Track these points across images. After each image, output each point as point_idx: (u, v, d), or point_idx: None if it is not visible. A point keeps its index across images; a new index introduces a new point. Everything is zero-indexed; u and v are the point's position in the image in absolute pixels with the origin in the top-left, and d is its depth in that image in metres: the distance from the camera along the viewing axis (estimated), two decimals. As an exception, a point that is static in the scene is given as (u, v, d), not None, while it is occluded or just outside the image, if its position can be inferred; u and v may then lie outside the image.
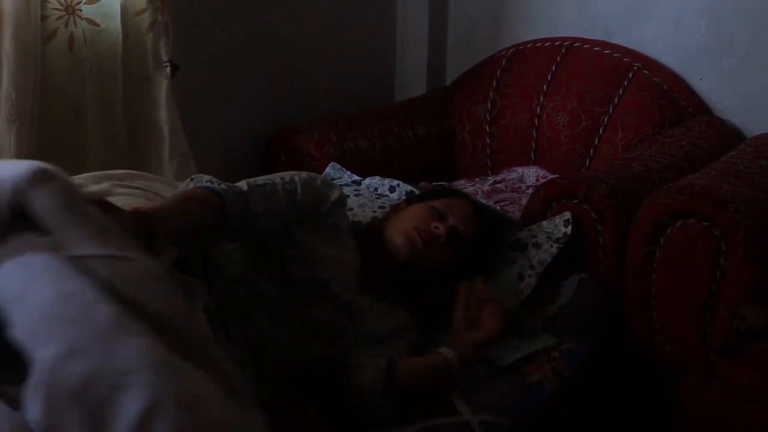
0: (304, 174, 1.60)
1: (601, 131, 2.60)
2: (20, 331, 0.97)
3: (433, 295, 1.73)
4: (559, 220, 1.92)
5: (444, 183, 2.60)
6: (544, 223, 1.93)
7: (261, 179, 1.53)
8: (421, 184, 2.35)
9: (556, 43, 2.79)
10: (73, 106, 2.01)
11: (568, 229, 1.89)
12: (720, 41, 2.53)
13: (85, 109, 2.03)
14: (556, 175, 2.42)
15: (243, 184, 1.49)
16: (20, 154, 1.86)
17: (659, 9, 2.64)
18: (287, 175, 1.57)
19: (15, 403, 0.96)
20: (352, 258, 1.63)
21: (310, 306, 1.52)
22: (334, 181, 2.15)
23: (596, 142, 2.60)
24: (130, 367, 0.93)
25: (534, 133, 2.74)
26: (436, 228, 1.65)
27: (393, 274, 1.69)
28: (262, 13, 2.64)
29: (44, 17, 1.91)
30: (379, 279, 1.67)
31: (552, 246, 1.87)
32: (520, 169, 2.69)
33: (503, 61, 2.87)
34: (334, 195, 1.63)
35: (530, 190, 2.36)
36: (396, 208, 1.78)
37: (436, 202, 1.72)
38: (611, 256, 1.91)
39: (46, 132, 1.96)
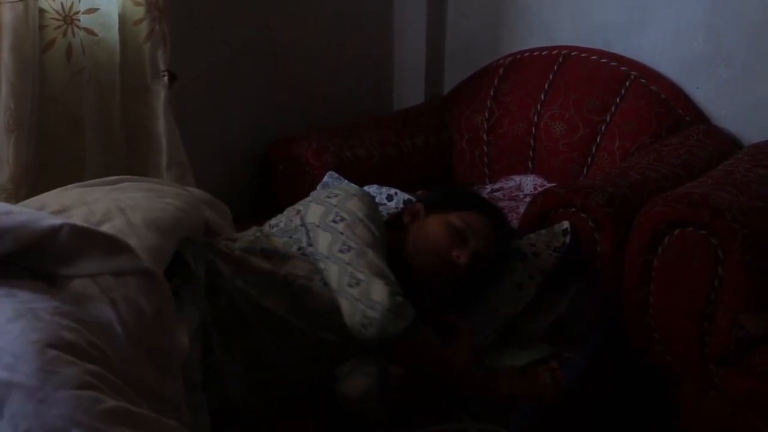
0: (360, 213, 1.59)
1: (598, 140, 2.60)
2: None
3: (440, 303, 1.72)
4: (557, 229, 1.92)
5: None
6: (543, 232, 1.94)
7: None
8: (419, 192, 2.35)
9: (554, 52, 2.80)
10: (71, 116, 2.01)
11: (567, 239, 1.89)
12: (717, 51, 2.54)
13: (83, 118, 2.02)
14: (554, 184, 2.43)
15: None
16: (19, 164, 1.86)
17: (657, 19, 2.64)
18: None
19: None
20: None
21: (321, 330, 1.49)
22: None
23: (594, 151, 2.60)
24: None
25: (531, 141, 2.74)
26: (458, 257, 1.65)
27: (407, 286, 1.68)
28: (261, 22, 2.64)
29: (42, 27, 1.91)
30: None
31: (551, 255, 1.87)
32: (517, 178, 2.70)
33: (501, 70, 2.87)
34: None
35: (528, 199, 2.36)
36: (413, 215, 1.75)
37: (456, 219, 1.68)
38: (609, 265, 1.91)
39: (45, 141, 1.96)
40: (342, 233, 1.52)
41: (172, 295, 1.27)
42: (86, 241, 1.17)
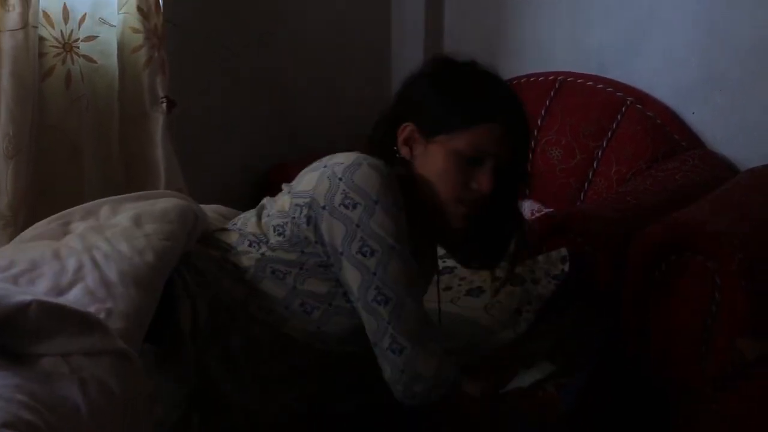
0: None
1: (595, 165, 2.61)
2: None
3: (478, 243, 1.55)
4: (555, 256, 1.92)
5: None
6: (541, 258, 1.94)
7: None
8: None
9: (550, 78, 2.81)
10: (70, 142, 2.02)
11: (566, 266, 1.89)
12: (711, 76, 2.56)
13: (82, 144, 2.03)
14: (551, 209, 2.43)
15: None
16: (17, 190, 1.86)
17: (651, 44, 2.66)
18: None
19: None
20: None
21: (346, 346, 1.44)
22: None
23: (590, 176, 2.61)
24: None
25: (528, 167, 2.74)
26: (480, 186, 1.40)
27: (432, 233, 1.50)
28: (260, 49, 2.66)
29: (42, 54, 1.93)
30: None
31: (550, 282, 1.87)
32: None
33: (497, 96, 2.88)
34: None
35: (525, 224, 2.36)
36: (409, 144, 1.45)
37: (463, 143, 1.39)
38: (608, 290, 1.91)
39: (43, 168, 1.97)
40: (374, 273, 1.33)
41: (156, 366, 1.24)
42: (57, 319, 1.11)
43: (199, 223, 1.45)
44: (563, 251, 1.92)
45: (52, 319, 1.10)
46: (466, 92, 1.43)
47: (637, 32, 2.69)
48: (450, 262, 2.00)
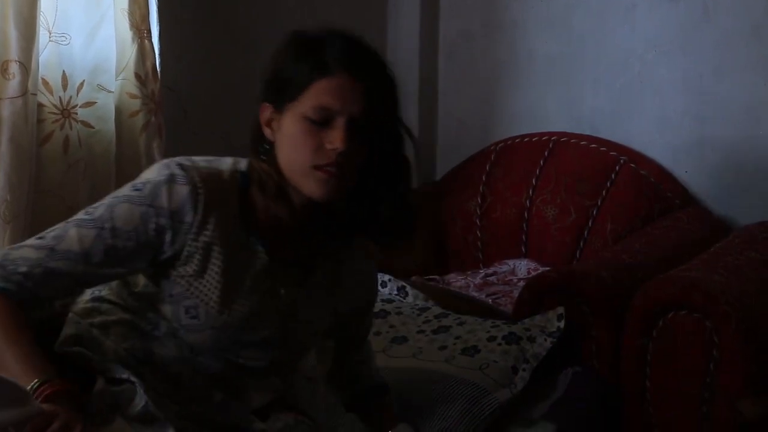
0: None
1: (590, 223, 2.62)
2: None
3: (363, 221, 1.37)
4: (552, 314, 1.92)
5: (436, 277, 2.61)
6: (537, 317, 1.93)
7: None
8: (413, 278, 2.36)
9: (544, 138, 2.84)
10: (67, 206, 2.02)
11: (562, 324, 1.89)
12: (703, 136, 2.59)
13: (78, 208, 2.03)
14: (547, 268, 2.44)
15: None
16: (13, 255, 1.86)
17: (643, 106, 2.70)
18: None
19: None
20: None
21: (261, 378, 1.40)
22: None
23: (586, 235, 2.62)
24: None
25: (524, 226, 2.76)
26: (330, 144, 1.24)
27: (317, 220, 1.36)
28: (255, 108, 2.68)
29: (40, 120, 1.95)
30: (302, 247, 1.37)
31: (546, 340, 1.87)
32: (511, 262, 2.70)
33: (492, 156, 2.91)
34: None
35: (522, 283, 2.37)
36: (269, 123, 1.31)
37: (308, 105, 1.25)
38: (604, 349, 1.91)
39: (39, 232, 1.97)
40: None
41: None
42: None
43: None
44: (559, 310, 1.91)
45: None
46: (298, 53, 1.29)
47: (628, 96, 2.74)
48: (447, 321, 1.99)
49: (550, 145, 2.80)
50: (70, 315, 1.35)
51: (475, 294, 2.40)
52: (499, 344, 1.87)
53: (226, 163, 1.36)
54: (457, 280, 2.57)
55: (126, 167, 2.12)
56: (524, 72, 2.95)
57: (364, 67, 1.28)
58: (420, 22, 3.08)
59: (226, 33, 2.60)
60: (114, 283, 1.36)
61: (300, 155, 1.26)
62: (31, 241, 1.27)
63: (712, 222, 2.50)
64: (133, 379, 1.25)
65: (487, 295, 2.41)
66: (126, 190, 1.28)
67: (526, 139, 2.89)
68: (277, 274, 1.35)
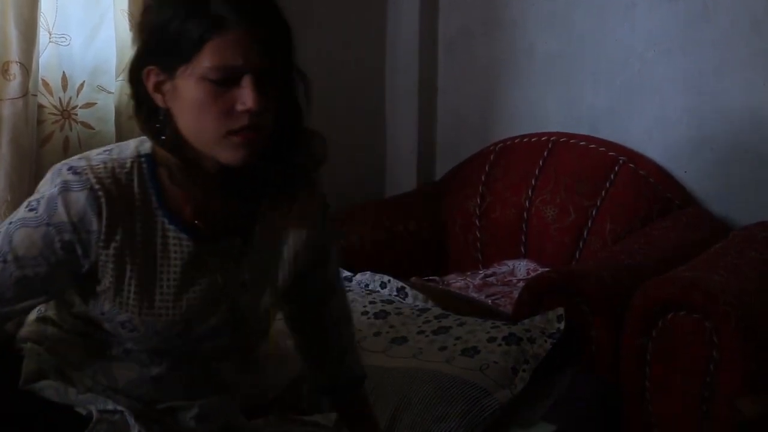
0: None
1: (589, 224, 2.62)
2: None
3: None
4: (552, 315, 1.92)
5: (435, 278, 2.61)
6: (537, 318, 1.94)
7: None
8: (413, 279, 2.36)
9: (543, 138, 2.84)
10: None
11: (562, 325, 1.89)
12: (702, 135, 2.59)
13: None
14: (547, 269, 2.44)
15: None
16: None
17: (642, 106, 2.70)
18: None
19: None
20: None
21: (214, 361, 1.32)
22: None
23: (585, 235, 2.62)
24: None
25: (523, 226, 2.76)
26: (242, 105, 1.14)
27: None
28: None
29: (40, 121, 1.96)
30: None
31: (546, 341, 1.87)
32: (510, 263, 2.71)
33: (492, 157, 2.91)
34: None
35: (521, 284, 2.37)
36: (157, 88, 1.17)
37: (207, 65, 1.12)
38: (604, 350, 1.91)
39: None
40: None
41: None
42: None
43: None
44: (559, 311, 1.92)
45: None
46: (185, 8, 1.14)
47: (627, 95, 2.73)
48: (447, 322, 2.00)
49: (550, 145, 2.81)
50: (28, 345, 1.27)
51: (475, 295, 2.40)
52: (499, 345, 1.87)
53: (127, 148, 1.22)
54: (456, 281, 2.57)
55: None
56: (524, 71, 2.95)
57: (260, 16, 1.15)
58: (419, 20, 3.07)
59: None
60: (52, 304, 1.28)
61: (210, 122, 1.14)
62: None
63: (712, 222, 2.50)
64: (120, 408, 1.21)
65: (487, 296, 2.42)
66: (21, 211, 1.16)
67: (525, 139, 2.89)
68: (208, 257, 1.23)
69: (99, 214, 1.14)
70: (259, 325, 1.36)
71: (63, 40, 2.00)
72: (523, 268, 2.65)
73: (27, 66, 1.86)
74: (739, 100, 2.52)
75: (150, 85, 1.17)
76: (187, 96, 1.14)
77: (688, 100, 2.61)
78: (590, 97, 2.82)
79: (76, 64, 2.04)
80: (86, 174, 1.15)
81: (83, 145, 2.03)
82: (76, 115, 2.02)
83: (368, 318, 2.02)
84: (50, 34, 1.97)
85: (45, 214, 1.14)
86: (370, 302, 2.03)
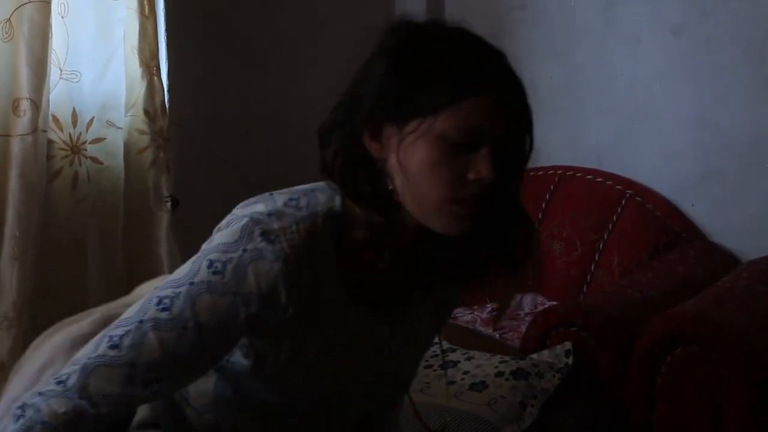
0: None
1: (596, 257, 2.62)
2: None
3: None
4: (560, 350, 1.91)
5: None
6: (545, 352, 1.93)
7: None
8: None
9: (549, 172, 2.85)
10: (75, 241, 2.04)
11: (570, 360, 1.89)
12: (709, 169, 2.59)
13: (86, 243, 2.05)
14: (554, 302, 2.43)
15: None
16: (22, 291, 1.87)
17: (648, 140, 2.71)
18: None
19: None
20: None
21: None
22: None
23: (592, 269, 2.61)
24: None
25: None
26: (478, 174, 1.05)
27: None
28: (262, 150, 2.70)
29: (50, 157, 1.97)
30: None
31: (554, 376, 1.86)
32: (518, 296, 2.70)
33: (498, 191, 2.91)
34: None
35: (528, 318, 2.36)
36: (376, 138, 1.08)
37: (446, 124, 1.04)
38: (612, 384, 1.90)
39: (47, 267, 1.98)
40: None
41: None
42: None
43: None
44: (567, 345, 1.91)
45: None
46: (441, 62, 1.07)
47: (632, 129, 2.74)
48: (455, 356, 1.99)
49: (556, 179, 2.81)
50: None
51: (482, 329, 2.39)
52: (507, 380, 1.86)
53: (316, 202, 1.10)
54: (464, 315, 2.57)
55: (134, 203, 2.14)
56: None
57: (513, 88, 1.09)
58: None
59: (235, 70, 2.62)
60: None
61: (437, 185, 1.04)
62: (104, 348, 1.04)
63: (719, 256, 2.49)
64: None
65: (494, 330, 2.41)
66: (204, 272, 1.06)
67: (531, 173, 2.89)
68: (375, 327, 1.17)
69: (289, 288, 1.05)
70: (405, 387, 1.32)
71: (74, 76, 2.01)
72: (530, 302, 2.64)
73: (37, 102, 1.87)
74: (744, 131, 2.52)
75: (368, 131, 1.08)
76: (416, 153, 1.04)
77: (694, 133, 2.61)
78: (596, 130, 2.82)
79: (86, 100, 2.05)
80: (280, 243, 1.04)
81: (92, 180, 2.04)
82: (86, 150, 2.03)
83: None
84: (61, 71, 1.98)
85: (233, 282, 1.04)
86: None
